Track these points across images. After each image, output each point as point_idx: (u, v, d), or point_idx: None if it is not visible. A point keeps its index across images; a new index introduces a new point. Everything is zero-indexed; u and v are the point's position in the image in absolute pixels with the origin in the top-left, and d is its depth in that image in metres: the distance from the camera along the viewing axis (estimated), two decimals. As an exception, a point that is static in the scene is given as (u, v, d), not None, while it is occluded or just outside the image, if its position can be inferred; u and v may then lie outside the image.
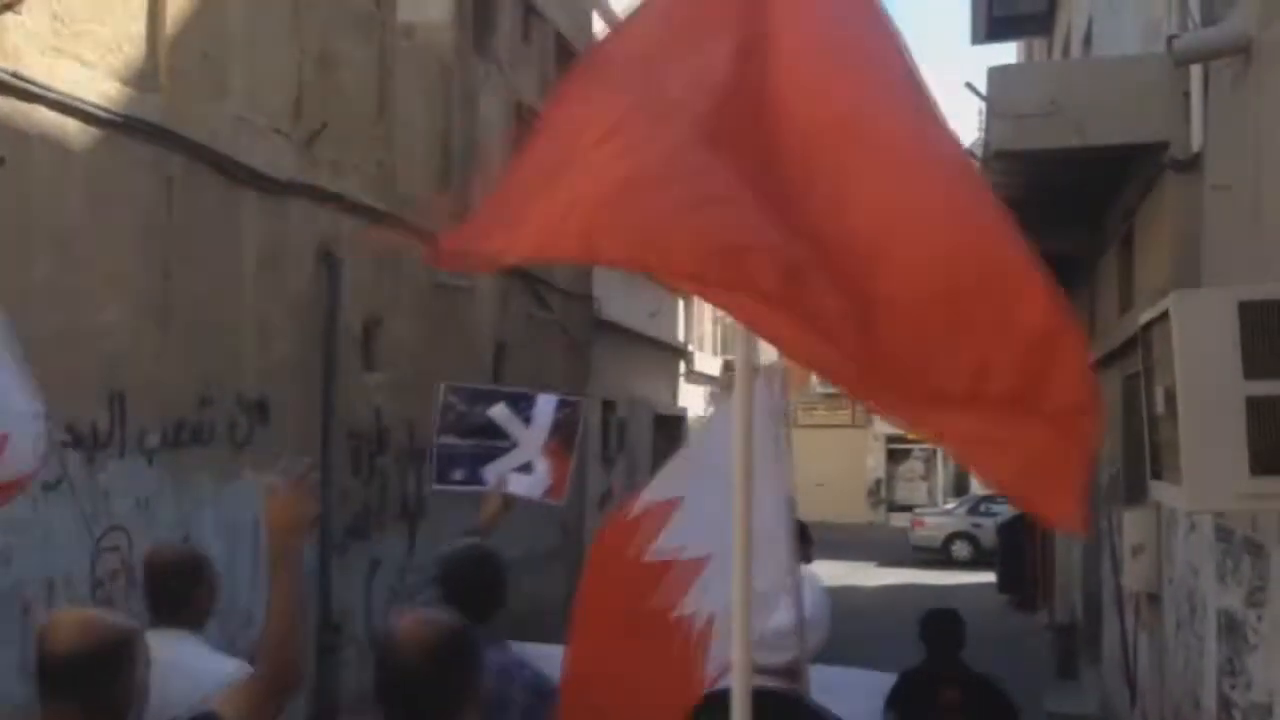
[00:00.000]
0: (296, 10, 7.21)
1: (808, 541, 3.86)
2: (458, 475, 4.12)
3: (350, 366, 7.73)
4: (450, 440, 4.18)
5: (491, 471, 4.03)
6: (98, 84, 5.49)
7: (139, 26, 5.87)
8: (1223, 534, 4.87)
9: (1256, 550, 4.46)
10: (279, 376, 6.88)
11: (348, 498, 7.59)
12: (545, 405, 4.23)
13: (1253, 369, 3.02)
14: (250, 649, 6.87)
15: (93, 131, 5.46)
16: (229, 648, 6.57)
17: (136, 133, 5.74)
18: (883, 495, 31.30)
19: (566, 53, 12.25)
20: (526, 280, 10.90)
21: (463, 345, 9.44)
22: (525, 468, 4.10)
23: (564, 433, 4.23)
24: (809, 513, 12.44)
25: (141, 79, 5.83)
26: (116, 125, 5.59)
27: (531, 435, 4.13)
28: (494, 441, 4.10)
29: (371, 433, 8.05)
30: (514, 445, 4.10)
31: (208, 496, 6.23)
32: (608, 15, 13.63)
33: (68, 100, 5.28)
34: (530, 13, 11.36)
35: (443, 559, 3.00)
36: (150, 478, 5.79)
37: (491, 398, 4.31)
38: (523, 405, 4.21)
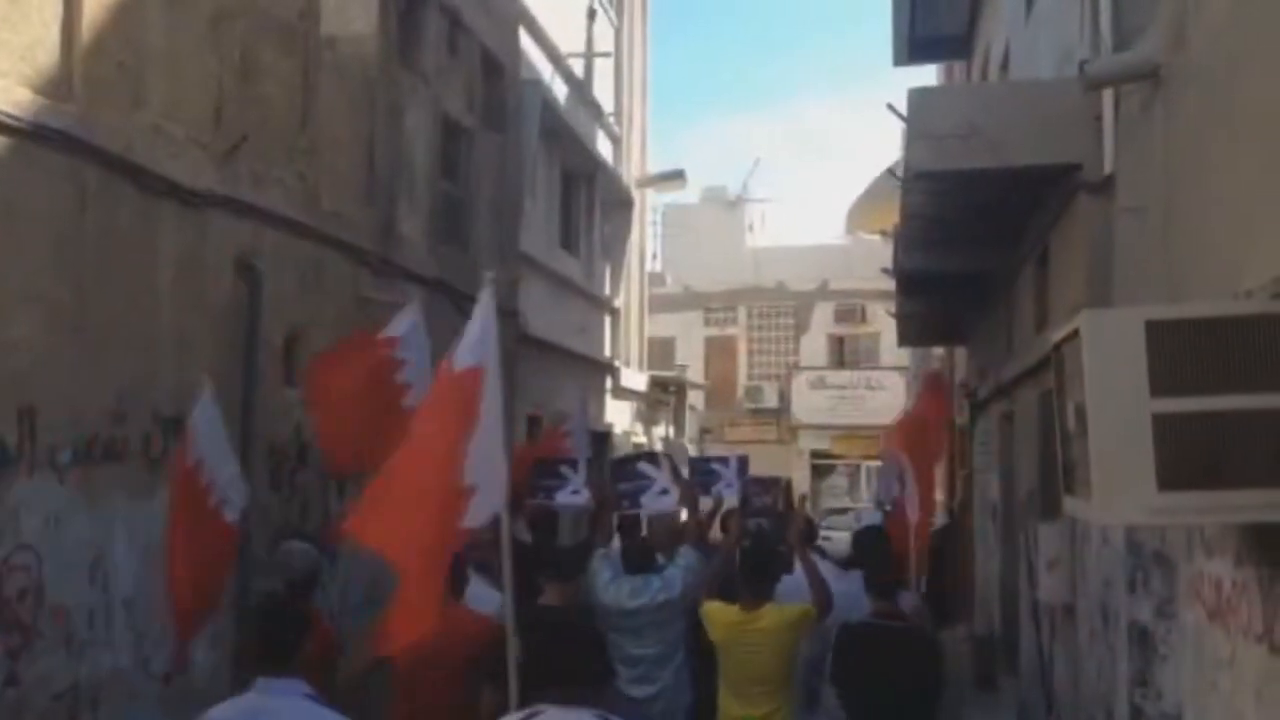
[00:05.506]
0: (217, 20, 7.11)
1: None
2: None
3: (271, 381, 7.62)
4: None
5: (713, 490, 8.43)
6: (9, 92, 5.36)
7: (53, 34, 5.75)
8: (1133, 548, 4.99)
9: (1166, 564, 4.57)
10: (197, 391, 6.74)
11: (267, 514, 7.47)
12: (734, 462, 8.90)
13: (1159, 387, 3.08)
14: (167, 667, 6.69)
15: (3, 141, 5.33)
16: (143, 667, 6.43)
17: (49, 142, 5.61)
18: (808, 510, 31.52)
19: (493, 67, 12.22)
20: (450, 295, 10.83)
21: (386, 360, 9.34)
22: (729, 484, 8.61)
23: (743, 472, 8.79)
24: (734, 527, 12.37)
25: (55, 88, 5.70)
26: (28, 134, 5.46)
27: (728, 475, 8.77)
28: (711, 480, 8.64)
29: (292, 448, 7.92)
30: (721, 477, 8.71)
31: (121, 515, 6.09)
32: (534, 30, 13.64)
33: (-23, 108, 5.15)
34: (456, 26, 11.31)
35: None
36: (61, 495, 5.65)
37: (712, 459, 9.76)
38: (729, 463, 8.90)
